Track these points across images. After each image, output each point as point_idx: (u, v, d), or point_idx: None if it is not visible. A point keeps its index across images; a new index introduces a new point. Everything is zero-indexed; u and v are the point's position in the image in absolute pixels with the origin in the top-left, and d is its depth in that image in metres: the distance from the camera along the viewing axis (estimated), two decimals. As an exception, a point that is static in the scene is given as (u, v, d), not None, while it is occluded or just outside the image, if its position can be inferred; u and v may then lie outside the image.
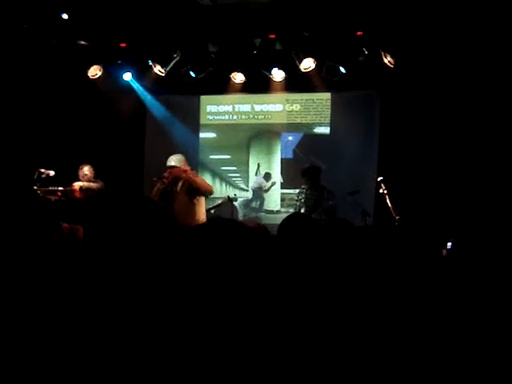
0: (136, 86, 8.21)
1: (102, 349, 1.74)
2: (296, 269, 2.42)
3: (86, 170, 6.78)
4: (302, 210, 6.57)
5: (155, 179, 5.98)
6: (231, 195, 7.29)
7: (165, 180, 5.90)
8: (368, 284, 2.27)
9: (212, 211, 7.03)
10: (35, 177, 6.30)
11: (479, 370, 1.90)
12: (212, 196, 6.68)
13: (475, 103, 6.81)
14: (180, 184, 5.96)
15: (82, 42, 7.31)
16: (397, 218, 5.88)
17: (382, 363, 1.87)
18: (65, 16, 6.58)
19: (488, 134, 6.76)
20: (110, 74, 7.90)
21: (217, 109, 8.67)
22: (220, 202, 7.41)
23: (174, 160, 5.94)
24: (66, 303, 1.89)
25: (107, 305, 1.85)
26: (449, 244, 3.11)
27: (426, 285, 2.28)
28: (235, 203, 7.59)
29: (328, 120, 8.16)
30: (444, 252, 3.12)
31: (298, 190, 6.97)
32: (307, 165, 6.80)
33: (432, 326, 2.03)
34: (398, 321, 2.03)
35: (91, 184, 6.67)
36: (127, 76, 7.95)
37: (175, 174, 5.89)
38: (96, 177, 6.85)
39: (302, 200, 6.69)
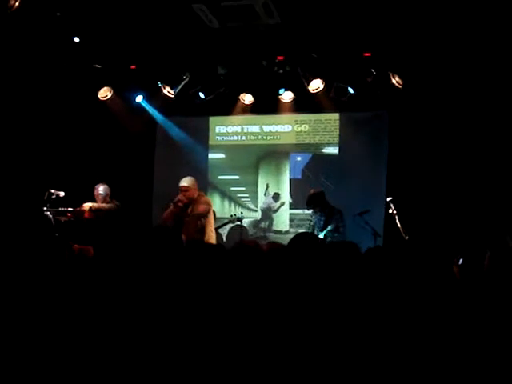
0: (146, 107, 8.28)
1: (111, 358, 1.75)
2: (301, 287, 2.41)
3: (101, 189, 6.65)
4: (315, 232, 6.54)
5: (167, 203, 6.08)
6: (238, 214, 7.30)
7: (180, 203, 5.97)
8: (375, 303, 2.26)
9: (219, 230, 7.07)
10: (45, 197, 6.31)
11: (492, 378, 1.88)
12: (220, 216, 6.68)
13: (484, 123, 6.81)
14: (191, 207, 6.06)
15: (97, 66, 7.40)
16: (406, 238, 5.84)
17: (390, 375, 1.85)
18: (76, 39, 6.68)
19: (498, 155, 6.74)
20: (120, 95, 7.99)
21: (226, 129, 8.72)
22: (226, 221, 7.41)
23: (186, 181, 6.05)
24: (75, 319, 1.90)
25: (114, 320, 1.86)
26: (460, 260, 3.08)
27: (435, 301, 2.27)
28: (245, 222, 7.59)
29: (337, 140, 8.18)
30: (455, 269, 3.09)
31: (311, 211, 6.91)
32: (309, 193, 6.69)
33: (444, 343, 2.01)
34: (408, 336, 2.02)
35: (101, 204, 6.58)
36: (139, 98, 8.02)
37: (190, 197, 6.00)
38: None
39: (314, 221, 6.68)
